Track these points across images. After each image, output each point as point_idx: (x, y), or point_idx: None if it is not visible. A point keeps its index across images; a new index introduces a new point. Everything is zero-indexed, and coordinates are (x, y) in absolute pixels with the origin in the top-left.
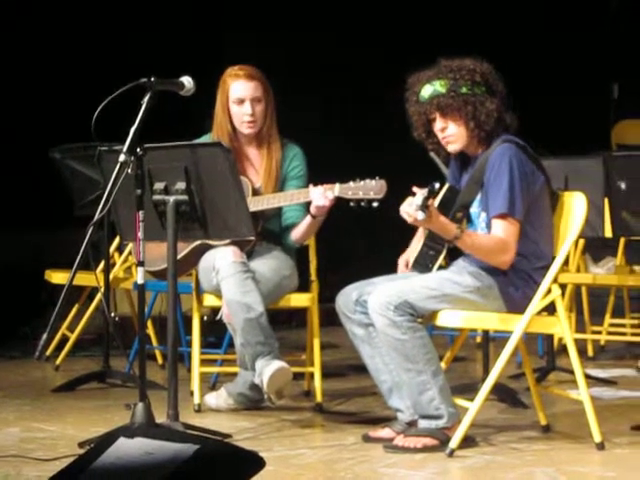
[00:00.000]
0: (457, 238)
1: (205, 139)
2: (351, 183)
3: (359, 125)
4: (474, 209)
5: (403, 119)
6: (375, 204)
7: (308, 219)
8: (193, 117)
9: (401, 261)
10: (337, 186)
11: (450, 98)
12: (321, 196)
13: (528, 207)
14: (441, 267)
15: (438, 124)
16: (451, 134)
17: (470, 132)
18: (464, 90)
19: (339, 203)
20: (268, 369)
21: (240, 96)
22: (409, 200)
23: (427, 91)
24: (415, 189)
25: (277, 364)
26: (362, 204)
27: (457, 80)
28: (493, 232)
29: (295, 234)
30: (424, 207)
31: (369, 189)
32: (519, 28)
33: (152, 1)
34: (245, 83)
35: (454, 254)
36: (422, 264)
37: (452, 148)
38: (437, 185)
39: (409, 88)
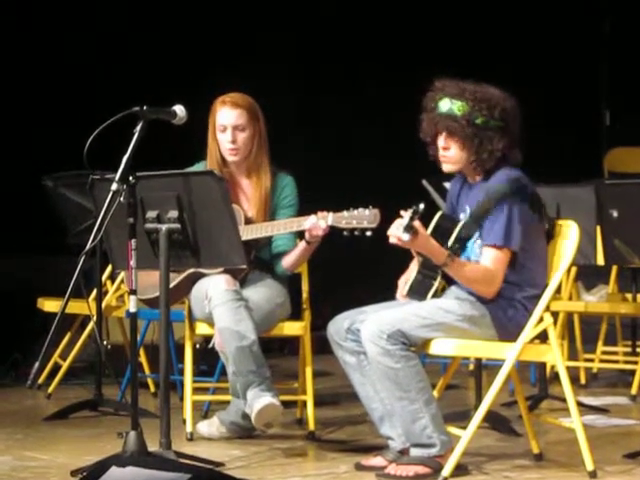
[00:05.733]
0: (446, 265)
1: (199, 167)
2: (345, 212)
3: (352, 152)
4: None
5: (397, 147)
6: (369, 233)
7: (302, 245)
8: (187, 144)
9: (401, 282)
10: (330, 215)
11: (461, 126)
12: (314, 225)
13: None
14: (436, 294)
15: (442, 141)
16: (450, 156)
17: (469, 163)
18: (478, 121)
19: (332, 231)
20: (257, 403)
21: (223, 123)
22: (396, 222)
23: (445, 106)
24: (402, 212)
25: (266, 400)
26: (356, 233)
27: (475, 110)
28: (482, 261)
29: (286, 261)
30: (409, 228)
31: (363, 218)
32: (511, 53)
33: (146, 29)
34: (229, 111)
35: (451, 281)
36: (417, 292)
37: (446, 168)
38: (422, 206)
39: (432, 90)
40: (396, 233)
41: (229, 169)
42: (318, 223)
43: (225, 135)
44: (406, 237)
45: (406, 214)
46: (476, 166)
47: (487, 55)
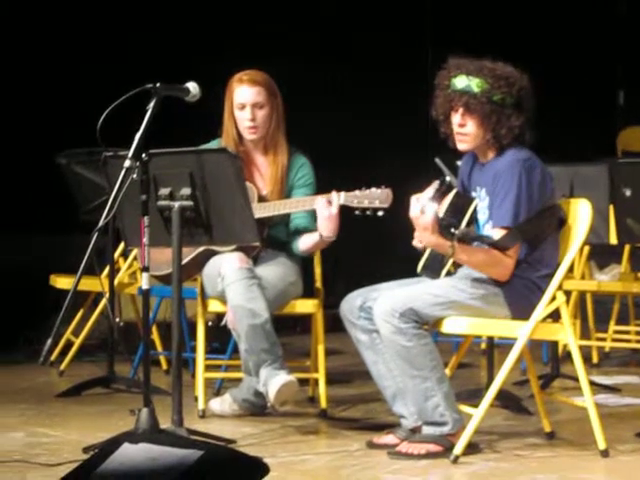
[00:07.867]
0: (450, 256)
1: (214, 144)
2: (357, 192)
3: (367, 133)
4: (481, 216)
5: (411, 129)
6: (380, 213)
7: (317, 237)
8: (202, 122)
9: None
10: (342, 194)
11: (480, 103)
12: (326, 204)
13: None
14: (449, 272)
15: (458, 118)
16: (467, 133)
17: (485, 140)
18: (496, 98)
19: (345, 211)
20: (274, 382)
21: (242, 101)
22: (425, 192)
23: (461, 83)
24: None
25: (284, 378)
26: (367, 213)
27: (494, 87)
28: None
29: (302, 245)
30: (434, 198)
31: (375, 198)
32: (526, 33)
33: (159, 5)
34: (247, 88)
35: None
36: (430, 268)
37: (462, 147)
38: (448, 178)
39: (446, 68)
40: (424, 203)
41: (245, 147)
42: (329, 202)
43: (244, 113)
44: (430, 208)
45: (432, 185)
46: (493, 143)
47: (502, 34)
